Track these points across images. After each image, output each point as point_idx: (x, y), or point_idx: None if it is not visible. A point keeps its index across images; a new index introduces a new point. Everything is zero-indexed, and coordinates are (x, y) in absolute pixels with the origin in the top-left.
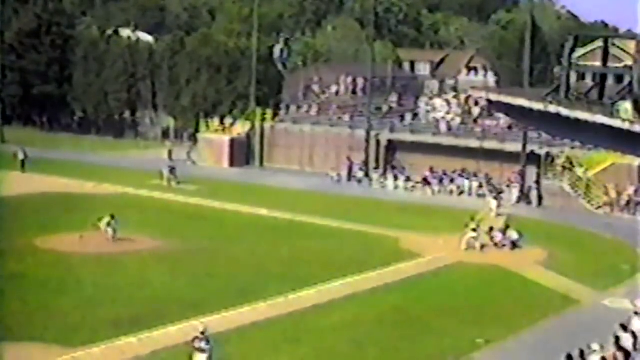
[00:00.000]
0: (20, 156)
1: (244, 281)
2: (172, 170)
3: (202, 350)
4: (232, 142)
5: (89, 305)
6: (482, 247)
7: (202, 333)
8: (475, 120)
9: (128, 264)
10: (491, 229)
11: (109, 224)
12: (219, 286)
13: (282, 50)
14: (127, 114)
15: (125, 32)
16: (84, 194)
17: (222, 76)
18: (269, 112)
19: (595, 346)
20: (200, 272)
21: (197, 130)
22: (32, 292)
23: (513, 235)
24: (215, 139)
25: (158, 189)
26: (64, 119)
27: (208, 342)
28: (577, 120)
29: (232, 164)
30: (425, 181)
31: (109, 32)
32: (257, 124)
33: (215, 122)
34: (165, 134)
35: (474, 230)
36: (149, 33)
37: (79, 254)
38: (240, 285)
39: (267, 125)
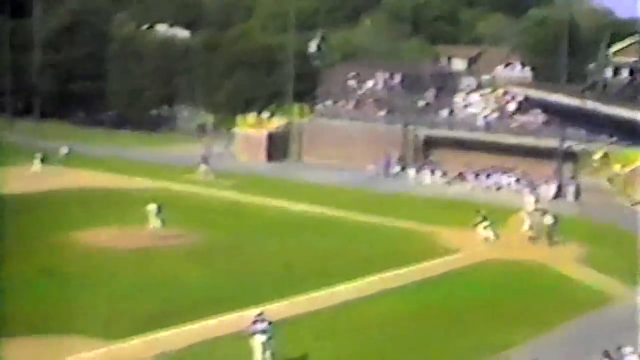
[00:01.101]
0: (63, 151)
1: (279, 276)
2: (208, 164)
3: (261, 332)
4: (270, 137)
5: (126, 298)
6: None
7: (259, 315)
8: (511, 116)
9: (165, 258)
10: (527, 224)
11: (157, 214)
12: (255, 281)
13: (318, 46)
14: (163, 109)
15: (161, 28)
16: (121, 189)
17: (259, 71)
18: (306, 107)
19: (628, 349)
20: (236, 267)
21: (234, 125)
22: (70, 286)
23: (548, 219)
24: (253, 133)
25: (194, 183)
26: (100, 114)
27: (267, 324)
28: (614, 116)
29: (269, 158)
30: (462, 176)
31: (145, 27)
32: (294, 119)
33: (253, 117)
34: (202, 128)
35: (483, 221)
36: (185, 28)
37: (117, 248)
38: (276, 279)
39: (304, 120)
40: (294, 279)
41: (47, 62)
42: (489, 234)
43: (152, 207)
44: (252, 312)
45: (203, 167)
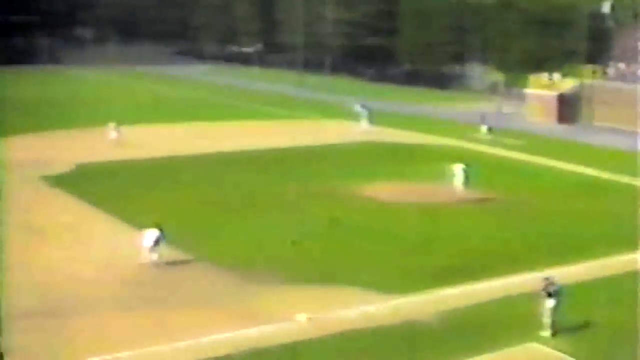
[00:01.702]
0: (358, 108)
1: (565, 239)
2: (487, 124)
3: (552, 295)
4: (561, 98)
5: (409, 253)
6: None
7: (548, 278)
8: None
9: (451, 215)
10: None
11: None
12: (541, 242)
13: (612, 6)
14: (454, 67)
15: None
16: (410, 144)
17: (551, 32)
18: (599, 69)
19: None
20: (521, 227)
21: (525, 85)
22: (353, 238)
23: None
24: (543, 94)
25: (482, 142)
26: (391, 70)
27: (557, 288)
28: None
29: (560, 120)
30: None
31: None
32: (586, 81)
33: (544, 77)
34: (493, 87)
35: None
36: None
37: (403, 202)
38: (563, 242)
39: (597, 82)
40: (583, 243)
41: (341, 19)
42: None
43: (458, 167)
44: (541, 275)
45: (484, 127)
